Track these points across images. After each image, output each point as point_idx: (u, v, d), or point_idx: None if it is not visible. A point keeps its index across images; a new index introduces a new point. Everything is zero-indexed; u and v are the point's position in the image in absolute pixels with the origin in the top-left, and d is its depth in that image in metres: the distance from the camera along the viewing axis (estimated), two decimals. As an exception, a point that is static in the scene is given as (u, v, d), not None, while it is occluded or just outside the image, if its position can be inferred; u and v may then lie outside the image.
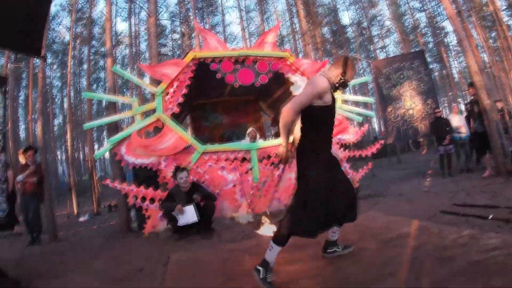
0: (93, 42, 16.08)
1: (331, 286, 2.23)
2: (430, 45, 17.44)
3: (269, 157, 5.65)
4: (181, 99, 5.43)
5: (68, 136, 12.28)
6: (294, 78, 5.91)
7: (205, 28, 5.94)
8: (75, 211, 10.14)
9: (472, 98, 6.95)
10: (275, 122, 8.77)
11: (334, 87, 2.43)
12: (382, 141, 6.94)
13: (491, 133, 6.20)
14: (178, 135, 5.29)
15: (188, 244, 4.22)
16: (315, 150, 2.44)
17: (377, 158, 17.64)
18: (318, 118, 2.40)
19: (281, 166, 5.60)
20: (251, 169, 5.52)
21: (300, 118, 2.47)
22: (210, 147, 5.46)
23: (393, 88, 7.72)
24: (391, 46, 18.58)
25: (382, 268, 2.31)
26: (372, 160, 15.81)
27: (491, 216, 3.08)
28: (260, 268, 2.28)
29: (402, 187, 6.72)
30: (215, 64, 5.60)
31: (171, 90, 5.43)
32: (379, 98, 8.01)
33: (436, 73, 19.03)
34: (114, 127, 5.94)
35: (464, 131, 7.28)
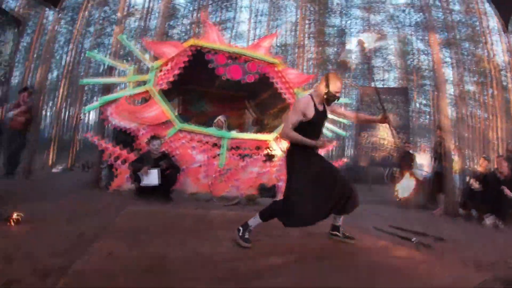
0: (105, 8, 16.46)
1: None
2: (427, 88, 18.07)
3: (237, 148, 6.16)
4: (172, 78, 5.96)
5: (62, 89, 12.67)
6: (279, 85, 6.46)
7: (211, 22, 6.42)
8: (50, 162, 10.62)
9: (437, 139, 7.47)
10: (256, 122, 9.29)
11: (326, 101, 2.89)
12: (345, 159, 7.45)
13: (447, 174, 6.72)
14: (161, 109, 5.81)
15: (145, 204, 4.74)
16: (305, 150, 2.83)
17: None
18: (303, 130, 2.78)
19: (247, 159, 6.16)
20: (219, 154, 6.04)
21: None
22: (187, 126, 5.99)
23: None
24: (390, 81, 19.09)
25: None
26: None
27: (414, 239, 3.34)
28: (241, 228, 2.77)
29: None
30: (210, 55, 6.15)
31: (165, 68, 5.96)
32: (356, 124, 8.57)
33: (428, 116, 19.72)
34: (107, 89, 6.46)
35: (426, 169, 7.82)
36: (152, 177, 4.87)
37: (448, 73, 16.10)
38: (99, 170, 6.48)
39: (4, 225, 2.80)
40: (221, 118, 6.96)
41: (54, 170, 9.16)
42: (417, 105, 18.57)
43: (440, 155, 7.21)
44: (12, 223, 2.84)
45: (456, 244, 3.49)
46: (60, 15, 6.74)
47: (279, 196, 6.11)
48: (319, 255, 2.61)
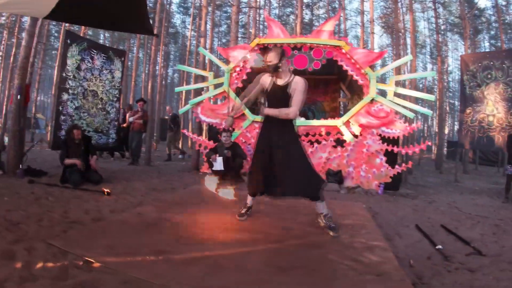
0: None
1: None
2: None
3: (307, 134, 6.39)
4: (245, 77, 6.68)
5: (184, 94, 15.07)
6: (346, 66, 6.35)
7: (272, 17, 6.76)
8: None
9: None
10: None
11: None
12: (429, 142, 6.56)
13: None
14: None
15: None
16: (263, 123, 3.27)
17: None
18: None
19: (315, 144, 6.33)
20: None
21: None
22: (258, 118, 6.60)
23: (478, 89, 6.98)
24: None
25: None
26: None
27: (439, 247, 2.89)
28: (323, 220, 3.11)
29: (449, 197, 6.37)
30: (276, 49, 6.56)
31: (238, 69, 6.72)
32: (461, 97, 7.36)
33: None
34: (199, 92, 7.69)
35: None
36: (218, 164, 5.72)
37: None
38: (197, 156, 7.85)
39: (100, 195, 4.23)
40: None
41: (179, 156, 11.26)
42: None
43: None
44: (104, 194, 4.24)
45: (494, 263, 2.59)
46: (157, 38, 8.23)
47: (346, 182, 6.10)
48: (280, 239, 2.78)
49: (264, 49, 3.22)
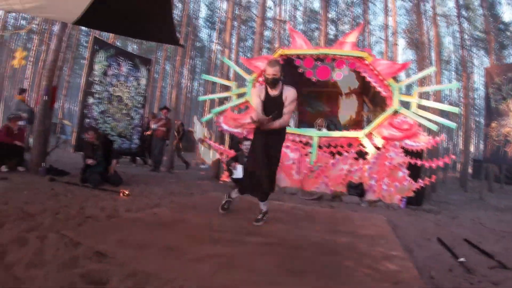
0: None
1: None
2: None
3: (329, 145, 6.28)
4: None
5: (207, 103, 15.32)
6: (369, 78, 6.26)
7: (296, 30, 6.85)
8: (201, 159, 13.42)
9: None
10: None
11: (268, 84, 3.25)
12: (453, 156, 6.24)
13: None
14: (257, 114, 6.62)
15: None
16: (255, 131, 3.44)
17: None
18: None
19: (337, 156, 6.20)
20: (310, 152, 6.33)
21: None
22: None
23: (503, 102, 6.68)
24: None
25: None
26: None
27: (462, 259, 2.73)
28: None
29: (473, 213, 6.02)
30: (299, 60, 6.58)
31: (260, 79, 6.76)
32: (486, 111, 7.05)
33: None
34: (223, 102, 7.77)
35: None
36: (239, 172, 5.71)
37: None
38: (218, 164, 7.88)
39: (118, 195, 4.32)
40: (321, 119, 7.35)
41: (201, 166, 11.38)
42: None
43: None
44: (121, 195, 4.34)
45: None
46: (183, 48, 8.52)
47: (368, 195, 5.91)
48: (295, 244, 2.76)
49: (269, 62, 3.27)
